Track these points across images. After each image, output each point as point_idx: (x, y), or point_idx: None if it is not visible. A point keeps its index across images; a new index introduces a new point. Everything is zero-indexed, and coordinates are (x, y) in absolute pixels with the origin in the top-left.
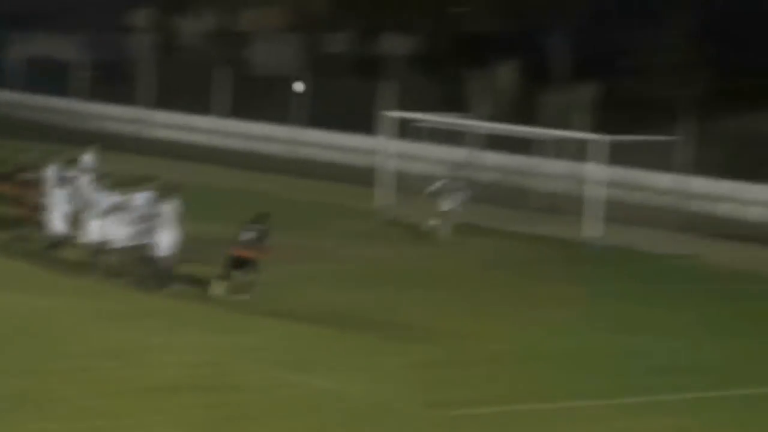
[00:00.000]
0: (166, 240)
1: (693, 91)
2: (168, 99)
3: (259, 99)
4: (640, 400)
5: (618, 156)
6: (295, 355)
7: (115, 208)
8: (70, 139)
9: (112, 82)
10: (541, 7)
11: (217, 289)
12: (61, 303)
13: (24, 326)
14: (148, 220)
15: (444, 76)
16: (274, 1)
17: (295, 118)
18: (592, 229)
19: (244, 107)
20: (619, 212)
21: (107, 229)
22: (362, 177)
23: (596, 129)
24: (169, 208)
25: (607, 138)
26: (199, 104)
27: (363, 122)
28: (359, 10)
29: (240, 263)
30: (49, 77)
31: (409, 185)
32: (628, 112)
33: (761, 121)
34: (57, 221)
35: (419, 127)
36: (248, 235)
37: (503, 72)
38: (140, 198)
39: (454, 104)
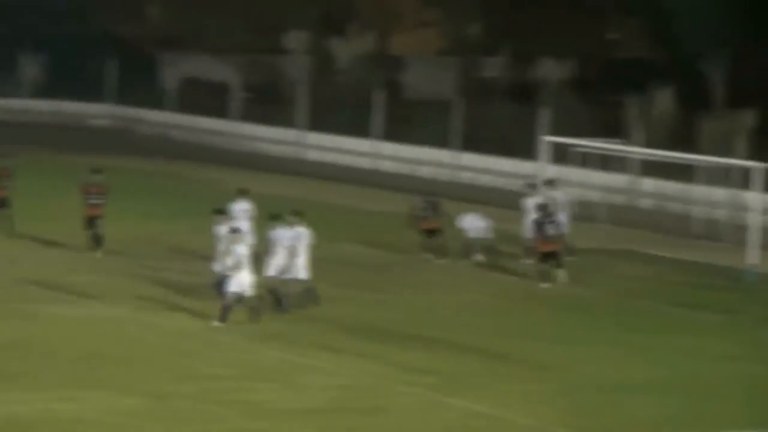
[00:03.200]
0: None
1: None
2: (322, 121)
3: (414, 122)
4: None
5: None
6: (447, 379)
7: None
8: (224, 161)
9: (267, 103)
10: (697, 33)
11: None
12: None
13: (174, 345)
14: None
15: (599, 102)
16: (430, 24)
17: (447, 142)
18: (752, 257)
19: (399, 130)
20: None
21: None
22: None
23: (756, 156)
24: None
25: (765, 165)
26: (353, 126)
27: (519, 147)
28: (515, 35)
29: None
30: (203, 98)
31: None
32: None
33: None
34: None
35: (572, 152)
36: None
37: (660, 98)
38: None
39: (610, 130)
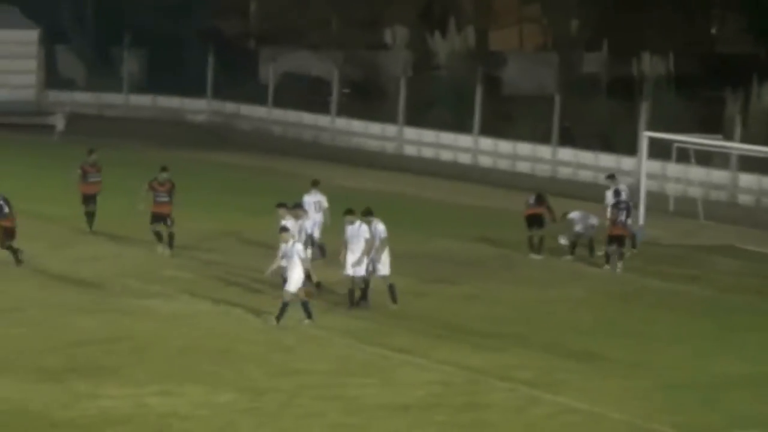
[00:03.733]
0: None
1: None
2: (421, 117)
3: (513, 118)
4: None
5: None
6: (541, 374)
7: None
8: (322, 156)
9: (365, 99)
10: None
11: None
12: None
13: (269, 341)
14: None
15: (699, 98)
16: (529, 20)
17: (547, 137)
18: None
19: (498, 126)
20: None
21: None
22: None
23: None
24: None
25: None
26: (452, 122)
27: (619, 143)
28: (614, 30)
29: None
30: (302, 94)
31: (663, 206)
32: None
33: None
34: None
35: (672, 148)
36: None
37: (760, 93)
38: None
39: (709, 126)
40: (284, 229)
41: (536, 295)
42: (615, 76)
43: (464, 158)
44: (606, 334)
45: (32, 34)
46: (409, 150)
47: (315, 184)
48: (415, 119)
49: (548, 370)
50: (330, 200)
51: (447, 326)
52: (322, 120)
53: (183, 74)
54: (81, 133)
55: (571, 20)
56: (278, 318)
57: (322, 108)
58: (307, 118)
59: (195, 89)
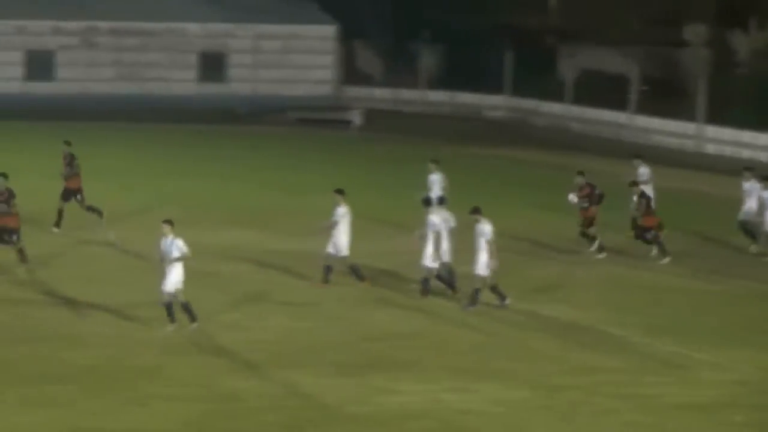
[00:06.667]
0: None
1: None
2: (721, 114)
3: None
4: None
5: None
6: None
7: None
8: (620, 153)
9: (664, 96)
10: None
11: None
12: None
13: (565, 337)
14: None
15: None
16: None
17: None
18: None
19: None
20: None
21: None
22: None
23: None
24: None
25: None
26: (753, 120)
27: None
28: None
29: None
30: (601, 90)
31: None
32: None
33: None
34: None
35: None
36: None
37: None
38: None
39: None
40: (167, 222)
41: None
42: None
43: (765, 157)
44: None
45: (329, 30)
46: (710, 148)
47: (436, 163)
48: (715, 117)
49: None
50: (623, 197)
51: (745, 324)
52: (620, 117)
53: (480, 70)
54: (378, 129)
55: None
56: (171, 320)
57: (620, 105)
58: (606, 115)
59: (492, 85)
